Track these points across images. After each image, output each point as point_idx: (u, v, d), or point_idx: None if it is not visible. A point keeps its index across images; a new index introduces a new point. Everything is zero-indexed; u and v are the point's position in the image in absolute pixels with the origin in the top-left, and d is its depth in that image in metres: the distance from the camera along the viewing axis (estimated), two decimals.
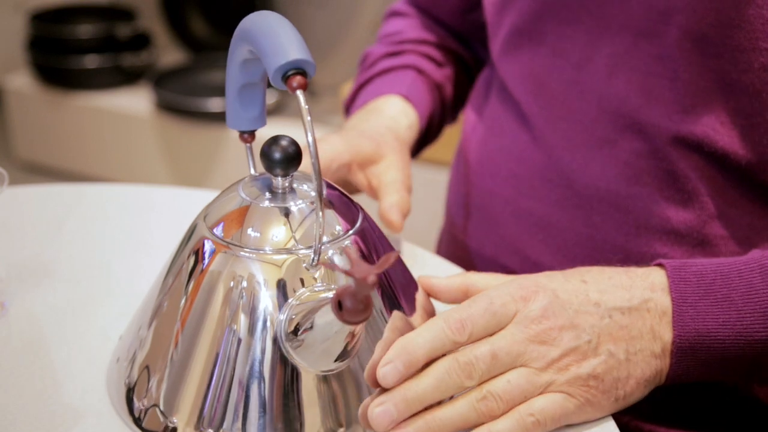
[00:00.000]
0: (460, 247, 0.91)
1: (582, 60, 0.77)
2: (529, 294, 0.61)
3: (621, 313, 0.62)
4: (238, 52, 0.62)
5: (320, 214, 0.57)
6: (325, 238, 0.61)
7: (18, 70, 2.65)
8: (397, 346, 0.58)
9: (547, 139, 0.80)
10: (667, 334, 0.63)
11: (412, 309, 0.65)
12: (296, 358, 0.58)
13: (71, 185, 0.94)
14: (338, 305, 0.50)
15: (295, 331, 0.57)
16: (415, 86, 0.93)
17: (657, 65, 0.73)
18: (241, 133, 0.66)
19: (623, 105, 0.75)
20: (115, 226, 0.87)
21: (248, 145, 0.66)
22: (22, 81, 2.58)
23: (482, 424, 0.59)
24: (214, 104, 2.27)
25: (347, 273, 0.50)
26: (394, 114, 0.89)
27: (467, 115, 0.94)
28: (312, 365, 0.58)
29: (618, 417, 0.65)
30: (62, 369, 0.67)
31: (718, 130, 0.72)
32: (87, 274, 0.79)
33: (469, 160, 0.90)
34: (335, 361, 0.58)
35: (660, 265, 0.65)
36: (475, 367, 0.58)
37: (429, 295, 0.68)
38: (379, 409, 0.57)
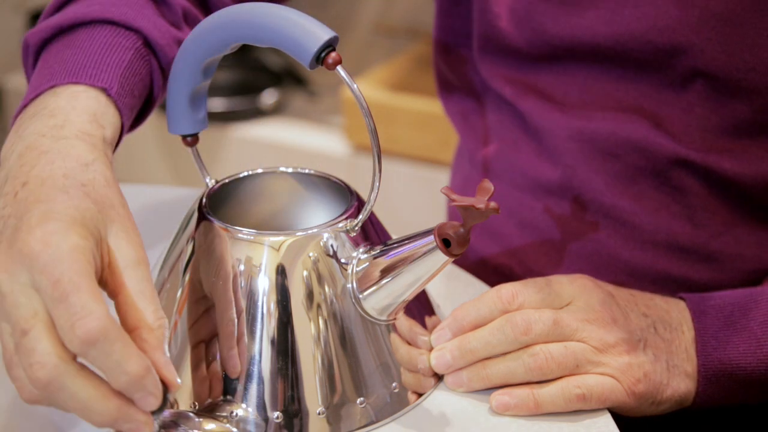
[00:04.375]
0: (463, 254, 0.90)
1: (588, 79, 0.76)
2: (587, 284, 0.64)
3: (664, 327, 0.65)
4: (201, 52, 0.62)
5: (377, 182, 0.60)
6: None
7: (18, 70, 2.65)
8: (451, 315, 0.64)
9: (551, 150, 0.79)
10: (695, 360, 0.66)
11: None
12: (364, 306, 0.62)
13: None
14: (443, 242, 0.57)
15: (362, 283, 0.61)
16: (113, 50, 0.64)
17: (667, 94, 0.72)
18: (185, 137, 0.66)
19: (630, 123, 0.74)
20: None
21: (194, 148, 0.67)
22: (22, 81, 2.58)
23: (529, 382, 0.62)
24: (214, 104, 2.27)
25: (467, 205, 0.55)
26: (84, 130, 0.58)
27: (458, 122, 0.91)
28: (378, 314, 0.62)
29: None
30: None
31: (728, 161, 0.72)
32: None
33: (471, 168, 0.89)
34: (393, 310, 0.62)
35: (681, 298, 0.69)
36: (534, 325, 0.61)
37: None
38: (435, 354, 0.64)
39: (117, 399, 0.49)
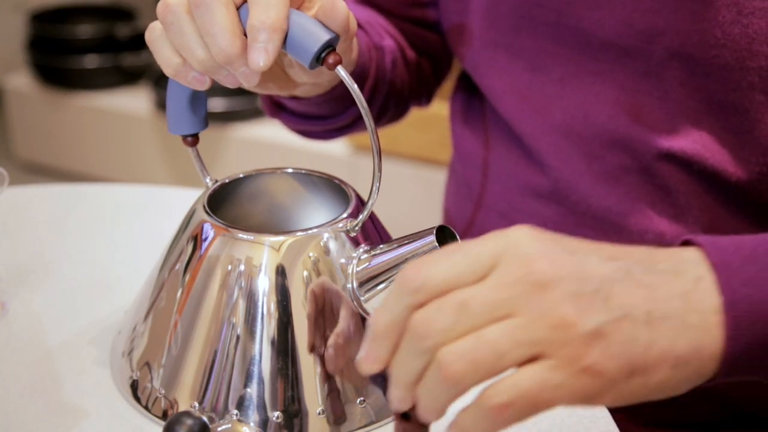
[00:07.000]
0: None
1: (566, 75, 0.76)
2: (518, 233, 0.47)
3: (644, 271, 0.47)
4: None
5: (377, 182, 0.60)
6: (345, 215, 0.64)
7: (18, 70, 2.65)
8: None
9: (536, 154, 0.79)
10: (708, 302, 0.47)
11: None
12: (365, 306, 0.61)
13: (71, 185, 0.94)
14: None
15: (362, 284, 0.61)
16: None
17: (645, 83, 0.73)
18: (186, 137, 0.66)
19: (610, 121, 0.75)
20: (114, 226, 0.87)
21: (194, 148, 0.67)
22: (22, 81, 2.58)
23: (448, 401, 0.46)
24: (214, 104, 2.27)
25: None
26: None
27: (458, 123, 0.92)
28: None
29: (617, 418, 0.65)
30: (62, 369, 0.67)
31: (709, 148, 0.72)
32: (87, 274, 0.79)
33: (466, 174, 0.89)
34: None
35: (685, 242, 0.51)
36: (433, 323, 0.44)
37: None
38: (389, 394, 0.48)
39: (241, 41, 0.58)
